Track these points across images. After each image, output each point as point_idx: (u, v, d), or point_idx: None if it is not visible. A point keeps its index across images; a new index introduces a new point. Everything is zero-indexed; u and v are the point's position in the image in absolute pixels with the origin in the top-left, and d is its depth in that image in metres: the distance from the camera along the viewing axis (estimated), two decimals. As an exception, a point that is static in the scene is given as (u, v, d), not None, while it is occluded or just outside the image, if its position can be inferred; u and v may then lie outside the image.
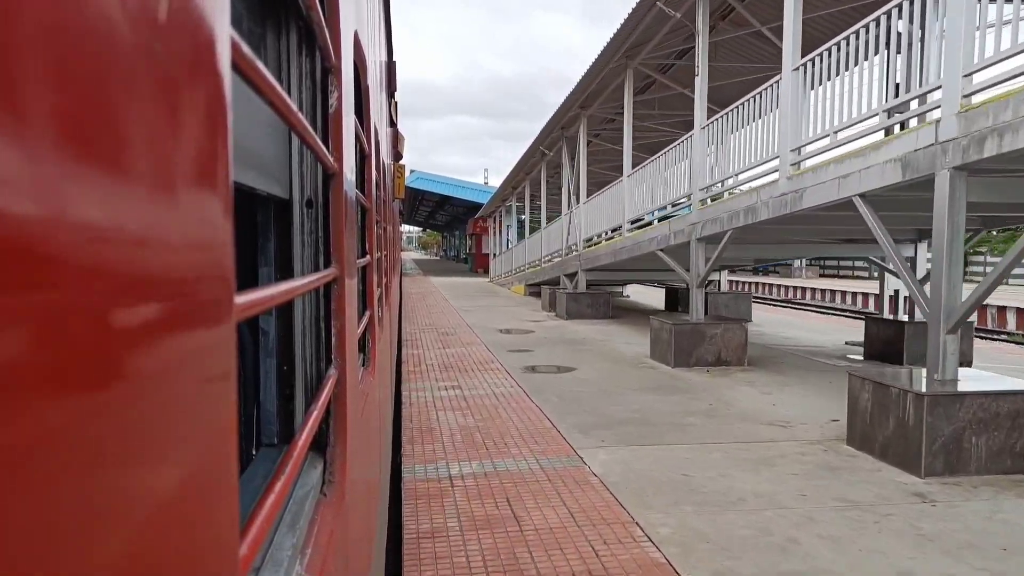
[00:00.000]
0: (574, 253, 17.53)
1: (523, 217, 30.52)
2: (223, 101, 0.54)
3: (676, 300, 18.91)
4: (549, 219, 23.29)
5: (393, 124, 6.79)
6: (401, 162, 10.04)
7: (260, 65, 0.69)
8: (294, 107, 0.88)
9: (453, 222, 62.77)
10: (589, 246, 16.52)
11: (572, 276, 17.57)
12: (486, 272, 38.80)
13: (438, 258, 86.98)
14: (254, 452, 1.50)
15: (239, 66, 0.62)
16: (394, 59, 6.51)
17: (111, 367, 0.37)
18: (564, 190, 19.67)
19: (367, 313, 2.32)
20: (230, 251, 0.56)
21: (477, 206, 40.05)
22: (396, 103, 7.07)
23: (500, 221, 34.97)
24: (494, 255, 34.89)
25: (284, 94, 0.83)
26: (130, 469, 0.40)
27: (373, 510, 2.28)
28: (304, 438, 0.98)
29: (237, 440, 0.59)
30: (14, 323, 0.30)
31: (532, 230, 27.06)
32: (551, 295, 18.30)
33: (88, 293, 0.35)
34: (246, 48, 0.63)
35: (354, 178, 1.72)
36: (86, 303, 0.35)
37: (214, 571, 0.53)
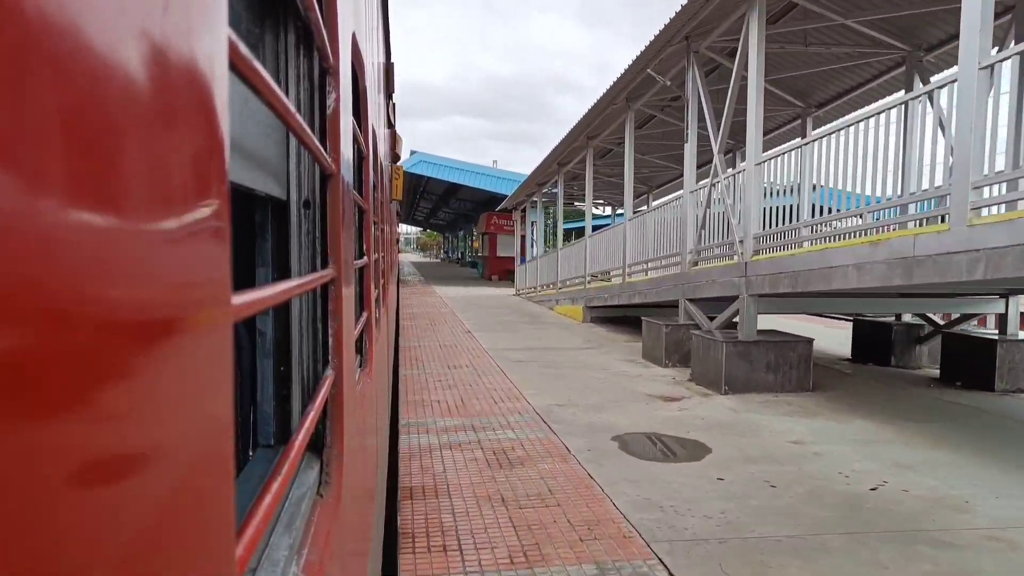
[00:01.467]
0: (728, 261, 9.11)
1: (563, 207, 21.39)
2: (221, 101, 0.54)
3: (883, 346, 10.79)
4: (633, 205, 14.87)
5: (391, 125, 6.78)
6: (398, 163, 9.98)
7: (258, 65, 0.69)
8: (292, 108, 0.88)
9: (457, 220, 58.39)
10: (759, 251, 8.38)
11: (710, 304, 9.54)
12: (502, 279, 32.37)
13: (439, 261, 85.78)
14: (251, 453, 1.50)
15: (237, 66, 0.62)
16: (392, 60, 6.50)
17: (107, 367, 0.37)
18: (687, 146, 10.51)
19: (364, 314, 2.32)
20: (227, 251, 0.56)
21: (491, 197, 32.89)
22: (394, 104, 7.06)
23: (527, 215, 27.28)
24: (521, 260, 27.30)
25: (282, 95, 0.83)
26: (126, 469, 0.40)
27: (370, 511, 2.27)
28: (301, 439, 0.98)
29: (234, 441, 0.59)
30: (8, 323, 0.30)
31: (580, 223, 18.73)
32: (675, 339, 10.04)
33: (84, 293, 0.35)
34: (244, 48, 0.63)
35: (352, 179, 1.72)
36: (82, 303, 0.35)
37: (210, 572, 0.53)
